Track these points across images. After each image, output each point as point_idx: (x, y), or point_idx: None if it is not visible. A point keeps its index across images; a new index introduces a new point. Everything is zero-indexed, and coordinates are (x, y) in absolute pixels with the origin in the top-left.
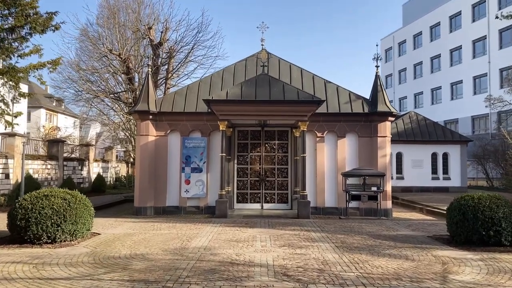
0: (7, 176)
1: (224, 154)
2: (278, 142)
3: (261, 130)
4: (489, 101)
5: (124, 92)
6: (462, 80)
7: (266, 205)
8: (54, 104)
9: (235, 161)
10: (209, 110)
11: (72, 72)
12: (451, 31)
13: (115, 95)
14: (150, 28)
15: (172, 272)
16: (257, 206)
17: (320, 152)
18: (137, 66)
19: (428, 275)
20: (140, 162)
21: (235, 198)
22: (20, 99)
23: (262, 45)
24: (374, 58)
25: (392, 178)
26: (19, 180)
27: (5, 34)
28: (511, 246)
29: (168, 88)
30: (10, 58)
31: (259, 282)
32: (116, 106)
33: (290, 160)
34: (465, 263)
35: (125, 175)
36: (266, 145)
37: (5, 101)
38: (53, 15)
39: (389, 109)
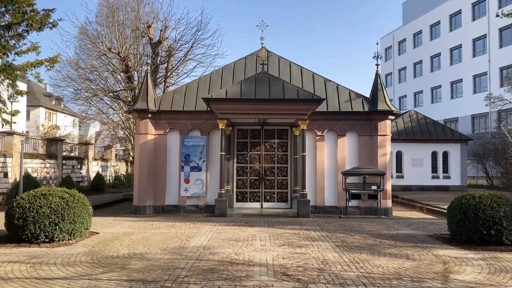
0: (5, 175)
1: (223, 153)
2: (278, 141)
3: (260, 128)
4: (489, 100)
5: (123, 91)
6: (462, 79)
7: (265, 204)
8: (53, 102)
9: (235, 160)
10: (209, 109)
11: (71, 71)
12: (451, 30)
13: (114, 93)
14: (149, 26)
15: (170, 271)
16: (256, 205)
17: (320, 151)
18: (136, 64)
19: (429, 274)
20: (139, 161)
21: (235, 197)
22: (17, 97)
23: (262, 43)
24: (374, 56)
25: (392, 177)
26: (18, 179)
27: (1, 31)
28: None
29: (167, 87)
30: (7, 56)
31: (259, 281)
32: (115, 104)
33: (289, 159)
34: (466, 262)
35: (124, 174)
36: (266, 143)
37: (1, 99)
38: (50, 12)
39: (389, 107)
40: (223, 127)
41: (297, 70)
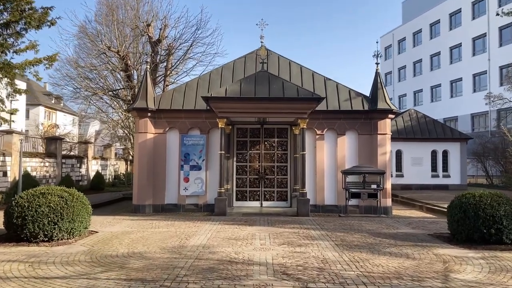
0: (4, 173)
1: (223, 152)
2: (278, 139)
3: (260, 127)
4: (489, 99)
5: (122, 90)
6: (461, 77)
7: (265, 203)
8: (53, 101)
9: (234, 159)
10: (208, 108)
11: (71, 69)
12: (451, 29)
13: (114, 92)
14: (148, 25)
15: (170, 271)
16: (256, 204)
17: (319, 150)
18: (135, 63)
19: (429, 274)
20: (138, 160)
21: (234, 196)
22: (15, 95)
23: (262, 42)
24: (374, 55)
25: (391, 176)
26: (17, 178)
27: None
28: None
29: (167, 86)
30: (6, 54)
31: (258, 281)
32: (115, 103)
33: (289, 158)
34: (467, 261)
35: (124, 172)
36: (266, 142)
37: (0, 97)
38: (49, 10)
39: (389, 106)
40: (223, 126)
41: (296, 69)
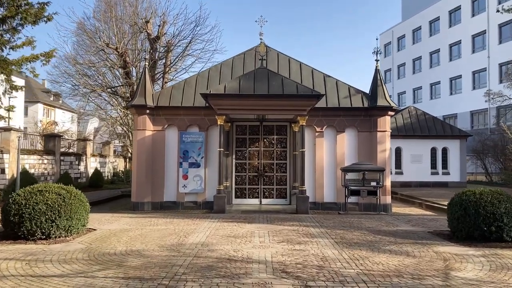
0: (2, 171)
1: (222, 149)
2: (277, 137)
3: (259, 124)
4: (488, 96)
5: (121, 87)
6: (461, 75)
7: (264, 201)
8: (51, 98)
9: (234, 156)
10: (207, 105)
11: (69, 66)
12: (450, 26)
13: (112, 89)
14: (147, 22)
15: (168, 269)
16: (255, 201)
17: (319, 147)
18: (134, 60)
19: (430, 272)
20: (137, 157)
21: (234, 193)
22: (12, 92)
23: (261, 39)
24: (374, 52)
25: (391, 173)
26: (15, 175)
27: None
28: None
29: (165, 83)
30: (2, 50)
31: (257, 279)
32: (113, 100)
33: (289, 155)
34: (467, 259)
35: (123, 170)
36: (265, 140)
37: None
38: (45, 6)
39: (389, 103)
40: (222, 123)
41: (296, 66)
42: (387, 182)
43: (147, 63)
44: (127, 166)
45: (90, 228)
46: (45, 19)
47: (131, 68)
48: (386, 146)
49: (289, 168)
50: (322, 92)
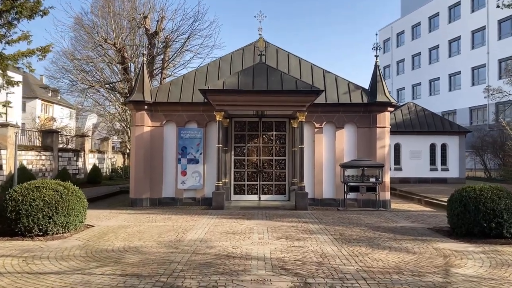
0: (0, 167)
1: (221, 145)
2: (276, 133)
3: (258, 121)
4: (488, 92)
5: (119, 82)
6: (460, 71)
7: (263, 197)
8: (49, 94)
9: (232, 152)
10: (206, 100)
11: (67, 62)
12: (450, 22)
13: (111, 85)
14: (145, 17)
15: (166, 265)
16: (254, 197)
17: (318, 143)
18: (132, 55)
19: (430, 268)
20: (135, 153)
21: (232, 189)
22: (8, 87)
23: (260, 34)
24: (373, 47)
25: (390, 169)
26: (13, 171)
27: None
28: None
29: (164, 78)
30: None
31: (256, 276)
32: (112, 96)
33: (288, 151)
34: (467, 256)
35: (121, 166)
36: (264, 136)
37: None
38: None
39: (389, 99)
40: (221, 119)
41: (295, 61)
42: (386, 178)
43: (145, 59)
44: (126, 162)
45: (88, 225)
46: (41, 13)
47: (129, 64)
48: (385, 142)
49: (288, 164)
50: (321, 88)
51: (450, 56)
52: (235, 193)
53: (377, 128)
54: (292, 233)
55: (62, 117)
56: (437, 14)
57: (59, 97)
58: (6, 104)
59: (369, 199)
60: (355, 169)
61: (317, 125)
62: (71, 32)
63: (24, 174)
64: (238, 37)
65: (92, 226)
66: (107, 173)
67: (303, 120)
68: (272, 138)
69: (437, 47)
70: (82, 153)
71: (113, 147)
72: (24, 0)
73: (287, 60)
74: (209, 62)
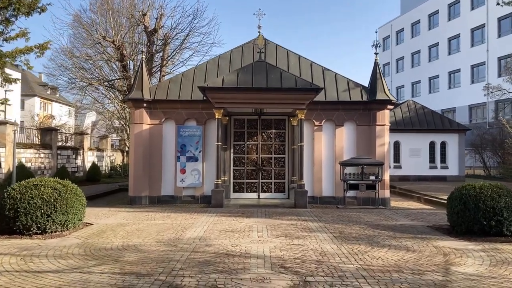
0: None
1: (220, 143)
2: (275, 131)
3: (258, 118)
4: (487, 90)
5: (118, 80)
6: (460, 68)
7: (263, 195)
8: (48, 92)
9: (232, 150)
10: (205, 98)
11: (66, 60)
12: (449, 19)
13: (109, 83)
14: (144, 14)
15: (165, 264)
16: (253, 195)
17: (317, 141)
18: (131, 53)
19: (429, 266)
20: (134, 151)
21: (232, 187)
22: (6, 85)
23: (259, 31)
24: (373, 45)
25: (389, 167)
26: (11, 169)
27: None
28: None
29: (163, 76)
30: None
31: (256, 274)
32: (111, 94)
33: (287, 149)
34: (467, 254)
35: (120, 164)
36: (263, 134)
37: None
38: None
39: (388, 97)
40: (220, 117)
41: (295, 59)
42: (385, 176)
43: (144, 56)
44: (125, 160)
45: (86, 223)
46: (39, 10)
47: (128, 61)
48: (385, 140)
49: (288, 162)
50: (321, 85)
51: (449, 54)
52: (235, 191)
53: (376, 126)
54: (291, 231)
55: (61, 115)
56: (436, 12)
57: (57, 95)
58: (4, 101)
59: (368, 197)
60: (354, 167)
61: (316, 123)
62: (70, 29)
63: (22, 172)
64: (238, 35)
65: (91, 224)
66: (106, 171)
67: (303, 118)
68: (271, 136)
69: (436, 44)
70: (81, 151)
71: (112, 145)
72: None
73: (286, 57)
74: (208, 59)
